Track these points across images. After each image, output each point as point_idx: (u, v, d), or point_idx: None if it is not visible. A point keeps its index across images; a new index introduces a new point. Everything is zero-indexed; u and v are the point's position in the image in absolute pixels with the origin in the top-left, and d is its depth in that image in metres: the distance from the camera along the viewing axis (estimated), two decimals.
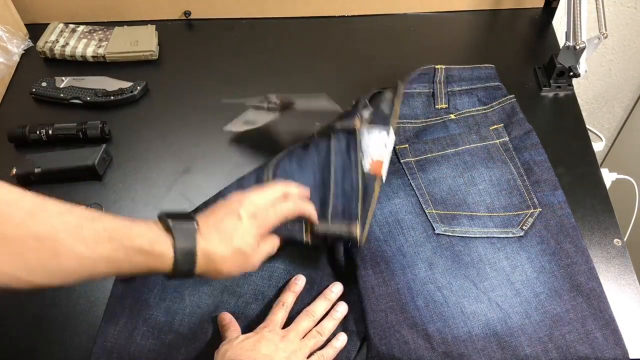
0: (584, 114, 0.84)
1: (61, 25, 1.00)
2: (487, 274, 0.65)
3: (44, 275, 0.46)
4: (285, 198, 0.61)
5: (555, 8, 1.00)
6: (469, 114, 0.79)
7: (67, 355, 0.66)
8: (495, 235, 0.68)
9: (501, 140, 0.76)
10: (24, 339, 0.67)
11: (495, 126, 0.77)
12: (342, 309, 0.65)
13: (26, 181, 0.80)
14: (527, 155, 0.74)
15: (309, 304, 0.65)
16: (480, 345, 0.60)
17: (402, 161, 0.75)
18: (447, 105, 0.81)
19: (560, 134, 0.81)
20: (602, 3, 0.78)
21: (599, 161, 0.91)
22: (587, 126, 0.83)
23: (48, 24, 1.00)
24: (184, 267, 0.52)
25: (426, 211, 0.70)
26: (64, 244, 0.46)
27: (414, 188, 0.73)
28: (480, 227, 0.68)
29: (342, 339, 0.63)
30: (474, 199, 0.71)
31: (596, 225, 0.72)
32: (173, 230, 0.51)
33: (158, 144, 0.80)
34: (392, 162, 0.75)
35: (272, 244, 0.61)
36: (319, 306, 0.65)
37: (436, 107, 0.81)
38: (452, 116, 0.79)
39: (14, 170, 0.80)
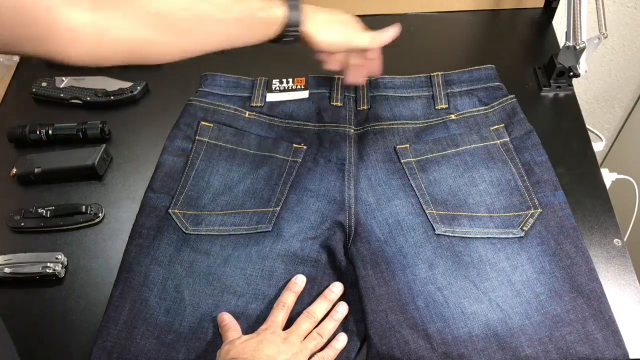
0: (584, 114, 0.84)
1: None
2: (487, 274, 0.65)
3: (196, 42, 0.59)
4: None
5: (555, 8, 1.00)
6: (469, 114, 0.79)
7: (67, 355, 0.66)
8: (496, 236, 0.68)
9: (502, 140, 0.76)
10: (24, 339, 0.67)
11: (496, 126, 0.77)
12: (343, 309, 0.65)
13: (26, 181, 0.81)
14: (527, 155, 0.74)
15: (309, 304, 0.65)
16: (480, 345, 0.60)
17: (402, 161, 0.75)
18: (447, 106, 0.81)
19: (560, 134, 0.81)
20: (602, 3, 0.78)
21: (599, 161, 0.91)
22: (587, 126, 0.83)
23: None
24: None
25: (426, 212, 0.70)
26: (206, 11, 0.57)
27: (414, 188, 0.73)
28: (481, 228, 0.68)
29: (342, 339, 0.63)
30: (474, 199, 0.71)
31: (596, 225, 0.72)
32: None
33: (158, 144, 0.80)
34: (392, 162, 0.75)
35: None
36: (320, 307, 0.65)
37: (436, 107, 0.81)
38: (453, 116, 0.79)
39: (14, 170, 0.80)
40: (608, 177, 0.85)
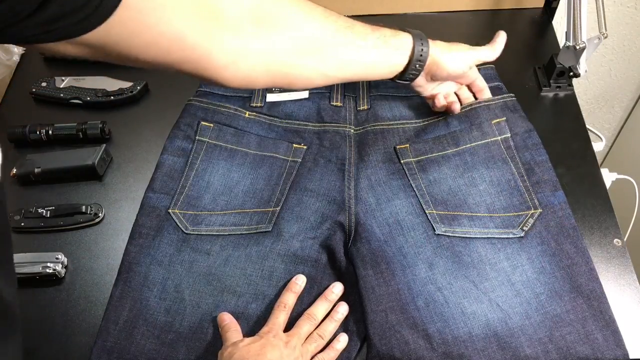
0: (584, 114, 0.84)
1: None
2: (487, 274, 0.65)
3: (338, 67, 0.63)
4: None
5: (555, 8, 1.00)
6: (469, 107, 0.79)
7: (67, 355, 0.66)
8: (496, 236, 0.68)
9: (503, 137, 0.76)
10: (24, 339, 0.67)
11: (497, 120, 0.77)
12: (343, 309, 0.65)
13: (26, 181, 0.81)
14: (528, 155, 0.74)
15: (309, 304, 0.65)
16: (480, 345, 0.60)
17: (402, 161, 0.75)
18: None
19: (560, 134, 0.81)
20: (602, 3, 0.78)
21: (599, 161, 0.91)
22: (587, 126, 0.83)
23: None
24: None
25: (426, 212, 0.70)
26: (349, 38, 0.61)
27: (414, 189, 0.73)
28: (481, 228, 0.69)
29: (343, 340, 0.63)
30: (474, 199, 0.71)
31: (596, 225, 0.72)
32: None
33: (158, 144, 0.80)
34: (392, 162, 0.75)
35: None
36: (320, 308, 0.65)
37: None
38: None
39: (14, 170, 0.80)
40: (608, 177, 0.85)
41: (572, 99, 0.86)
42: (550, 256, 0.66)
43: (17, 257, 0.71)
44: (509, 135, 0.76)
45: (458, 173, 0.74)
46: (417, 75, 0.70)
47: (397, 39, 0.66)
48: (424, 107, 0.81)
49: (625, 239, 0.71)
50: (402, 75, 0.69)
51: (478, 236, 0.68)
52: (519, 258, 0.66)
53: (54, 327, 0.68)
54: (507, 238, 0.67)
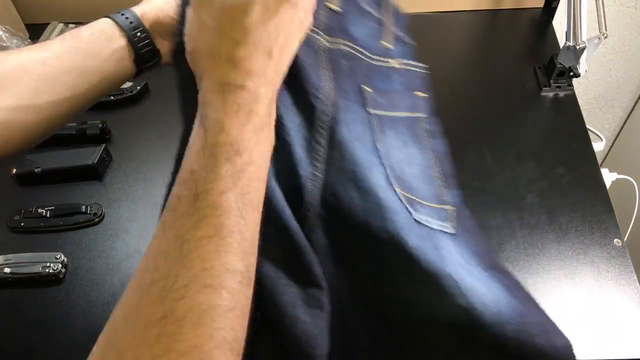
0: (584, 114, 0.84)
1: (61, 25, 1.00)
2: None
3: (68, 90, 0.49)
4: None
5: (555, 8, 1.00)
6: (410, 66, 0.59)
7: (67, 355, 0.66)
8: (436, 228, 0.49)
9: (423, 115, 0.57)
10: (24, 339, 0.67)
11: (422, 94, 0.58)
12: None
13: (26, 181, 0.81)
14: (437, 143, 0.56)
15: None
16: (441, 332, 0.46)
17: (371, 111, 0.51)
18: (392, 47, 0.58)
19: (560, 134, 0.81)
20: (602, 3, 0.78)
21: (599, 161, 0.92)
22: (587, 126, 0.83)
23: (48, 24, 1.00)
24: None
25: (395, 190, 0.48)
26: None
27: (380, 155, 0.50)
28: (426, 216, 0.49)
29: None
30: (415, 182, 0.51)
31: (596, 225, 0.72)
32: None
33: (158, 144, 0.80)
34: (360, 107, 0.51)
35: None
36: None
37: (382, 41, 0.57)
38: (396, 65, 0.58)
39: (14, 170, 0.80)
40: (608, 177, 0.85)
41: (572, 99, 0.86)
42: (479, 256, 0.50)
43: (17, 257, 0.71)
44: (425, 115, 0.57)
45: (401, 144, 0.53)
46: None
47: (99, 35, 0.53)
48: (371, 37, 0.56)
49: (625, 239, 0.71)
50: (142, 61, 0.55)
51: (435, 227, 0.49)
52: (458, 256, 0.48)
53: (54, 327, 0.68)
54: (444, 232, 0.49)
